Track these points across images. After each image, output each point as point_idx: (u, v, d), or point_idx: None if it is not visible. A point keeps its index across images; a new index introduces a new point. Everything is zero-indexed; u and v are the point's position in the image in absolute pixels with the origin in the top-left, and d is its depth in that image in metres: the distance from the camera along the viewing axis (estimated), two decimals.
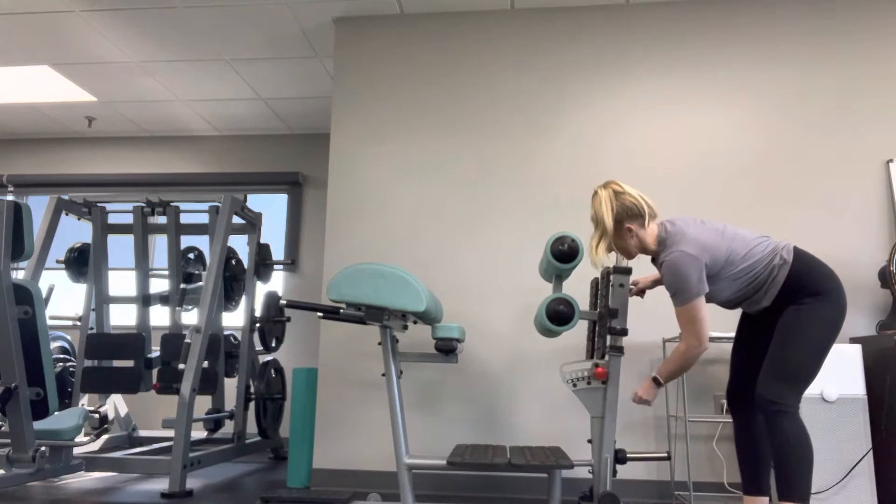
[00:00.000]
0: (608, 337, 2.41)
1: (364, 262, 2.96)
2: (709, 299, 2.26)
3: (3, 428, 3.57)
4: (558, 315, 2.35)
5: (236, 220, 4.27)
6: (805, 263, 2.14)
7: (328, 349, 3.56)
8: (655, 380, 2.30)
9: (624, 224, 2.26)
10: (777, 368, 2.08)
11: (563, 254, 2.40)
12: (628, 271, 2.41)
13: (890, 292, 3.21)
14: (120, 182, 5.66)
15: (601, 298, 2.51)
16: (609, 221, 2.24)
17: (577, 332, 3.33)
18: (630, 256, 2.35)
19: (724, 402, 3.23)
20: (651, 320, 3.39)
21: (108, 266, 4.34)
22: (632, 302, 3.39)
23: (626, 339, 3.40)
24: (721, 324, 3.32)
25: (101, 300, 4.28)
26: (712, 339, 3.21)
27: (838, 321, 2.11)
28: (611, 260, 2.40)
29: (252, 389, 4.26)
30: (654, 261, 2.38)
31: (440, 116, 3.76)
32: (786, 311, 2.14)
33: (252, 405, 4.31)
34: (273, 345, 4.46)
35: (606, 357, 2.41)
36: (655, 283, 2.66)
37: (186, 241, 4.52)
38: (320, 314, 2.62)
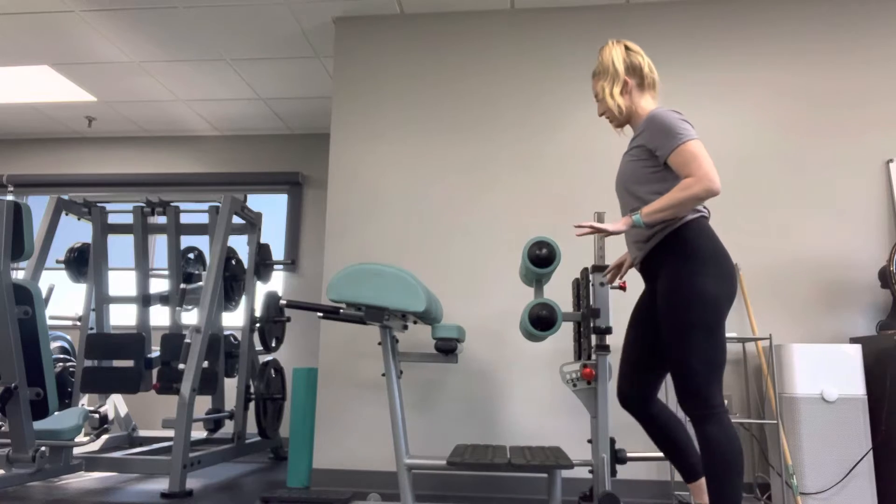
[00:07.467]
0: (593, 336, 2.41)
1: (364, 262, 2.96)
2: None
3: (3, 428, 3.58)
4: (541, 320, 2.33)
5: (236, 220, 4.28)
6: (704, 231, 1.99)
7: (328, 349, 3.56)
8: (637, 218, 1.99)
9: (624, 76, 2.17)
10: (685, 373, 1.91)
11: (541, 258, 2.37)
12: (605, 269, 2.40)
13: (890, 292, 3.21)
14: (120, 182, 5.67)
15: (583, 299, 2.51)
16: (620, 66, 2.16)
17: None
18: (614, 119, 2.20)
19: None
20: None
21: (108, 266, 4.34)
22: (631, 301, 3.41)
23: None
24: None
25: (101, 300, 4.28)
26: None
27: (719, 290, 1.91)
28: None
29: (252, 389, 4.26)
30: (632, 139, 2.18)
31: (440, 116, 3.76)
32: (661, 289, 1.98)
33: (252, 405, 4.31)
34: (273, 345, 4.46)
35: (593, 357, 2.41)
36: (626, 268, 2.45)
37: (186, 241, 4.53)
38: (320, 314, 2.62)
